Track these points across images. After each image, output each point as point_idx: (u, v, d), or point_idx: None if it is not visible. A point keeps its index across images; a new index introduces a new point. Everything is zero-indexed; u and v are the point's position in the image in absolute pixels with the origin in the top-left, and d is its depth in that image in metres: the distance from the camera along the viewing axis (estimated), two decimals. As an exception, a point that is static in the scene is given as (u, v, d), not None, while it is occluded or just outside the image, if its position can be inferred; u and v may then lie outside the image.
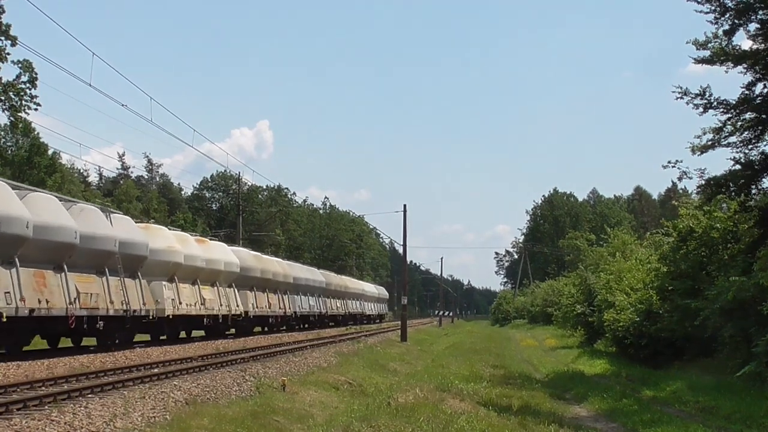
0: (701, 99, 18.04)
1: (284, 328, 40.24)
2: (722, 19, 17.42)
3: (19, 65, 36.26)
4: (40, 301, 17.70)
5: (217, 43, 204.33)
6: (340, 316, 54.95)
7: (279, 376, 16.49)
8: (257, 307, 34.12)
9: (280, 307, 37.55)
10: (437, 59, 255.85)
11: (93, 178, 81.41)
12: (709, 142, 18.20)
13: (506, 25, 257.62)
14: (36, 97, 37.14)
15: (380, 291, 79.70)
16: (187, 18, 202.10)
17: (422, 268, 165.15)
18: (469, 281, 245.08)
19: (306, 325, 44.98)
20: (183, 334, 29.37)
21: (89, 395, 12.20)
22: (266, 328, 37.69)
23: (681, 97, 18.29)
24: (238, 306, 31.10)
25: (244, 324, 32.87)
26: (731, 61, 17.57)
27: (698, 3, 17.61)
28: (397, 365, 25.41)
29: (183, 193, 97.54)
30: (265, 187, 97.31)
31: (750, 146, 18.09)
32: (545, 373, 24.99)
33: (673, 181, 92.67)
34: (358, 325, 57.01)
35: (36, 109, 37.43)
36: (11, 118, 38.24)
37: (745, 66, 17.56)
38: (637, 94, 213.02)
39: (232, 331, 32.95)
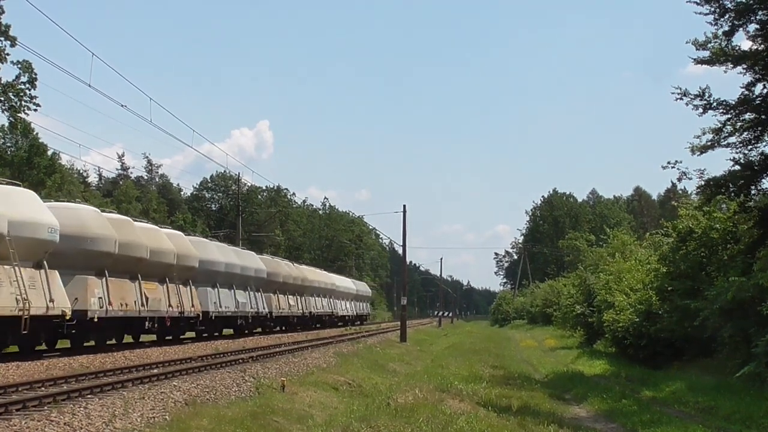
0: (700, 100, 18.08)
1: (193, 335, 29.29)
2: (722, 19, 17.45)
3: (19, 66, 36.42)
4: None
5: (217, 43, 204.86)
6: (295, 317, 41.90)
7: (278, 377, 16.50)
8: (113, 303, 21.27)
9: (171, 305, 25.03)
10: (438, 59, 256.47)
11: (92, 178, 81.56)
12: (709, 143, 18.22)
13: (506, 25, 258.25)
14: (35, 97, 37.36)
15: (360, 287, 65.57)
16: (187, 18, 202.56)
17: (422, 268, 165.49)
18: (468, 282, 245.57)
19: (233, 331, 33.23)
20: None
21: (89, 396, 12.17)
22: (163, 335, 26.17)
23: (680, 98, 18.33)
24: (52, 301, 18.09)
25: (80, 333, 20.54)
26: (731, 62, 17.60)
27: (698, 4, 17.65)
28: (397, 366, 25.41)
29: (182, 193, 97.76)
30: (264, 187, 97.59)
31: (749, 147, 18.14)
32: (545, 374, 25.01)
33: (672, 182, 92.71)
34: (328, 328, 47.03)
35: (35, 110, 37.66)
36: (11, 119, 38.41)
37: (745, 66, 17.58)
38: (637, 94, 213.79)
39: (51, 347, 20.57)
